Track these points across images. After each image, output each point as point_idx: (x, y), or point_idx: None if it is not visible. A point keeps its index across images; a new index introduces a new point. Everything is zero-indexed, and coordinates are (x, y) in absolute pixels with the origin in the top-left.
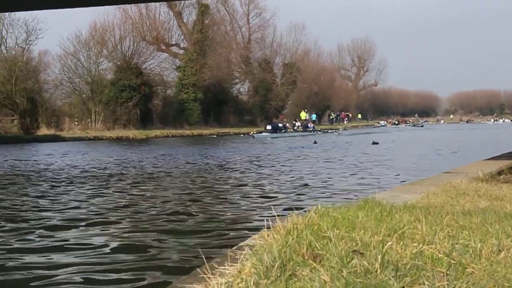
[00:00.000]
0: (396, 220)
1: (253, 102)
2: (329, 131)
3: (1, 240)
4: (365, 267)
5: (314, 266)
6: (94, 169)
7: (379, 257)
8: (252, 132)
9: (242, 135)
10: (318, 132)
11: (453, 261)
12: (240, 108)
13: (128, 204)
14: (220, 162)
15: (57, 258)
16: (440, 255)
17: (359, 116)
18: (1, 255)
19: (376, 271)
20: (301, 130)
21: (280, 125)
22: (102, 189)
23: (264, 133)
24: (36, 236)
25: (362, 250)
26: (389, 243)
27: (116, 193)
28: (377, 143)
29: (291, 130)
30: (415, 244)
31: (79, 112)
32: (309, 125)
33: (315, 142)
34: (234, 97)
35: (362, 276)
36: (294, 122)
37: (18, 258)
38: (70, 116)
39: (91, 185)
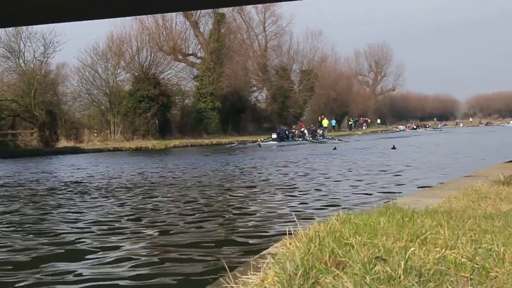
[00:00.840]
0: (418, 226)
1: (271, 109)
2: (338, 139)
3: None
4: (388, 273)
5: (337, 274)
6: (121, 180)
7: (402, 263)
8: (258, 140)
9: (250, 143)
10: (329, 140)
11: (477, 266)
12: (258, 116)
13: (150, 213)
14: (240, 170)
15: (83, 266)
16: (463, 259)
17: (378, 121)
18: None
19: (400, 277)
20: (310, 138)
21: (287, 132)
22: (127, 199)
23: (270, 142)
24: (82, 244)
25: (385, 256)
26: (412, 248)
27: (140, 202)
28: (395, 148)
29: (299, 138)
30: (438, 249)
31: (98, 123)
32: (318, 132)
33: (334, 149)
34: (252, 105)
35: (385, 282)
36: (302, 129)
37: (62, 267)
38: (89, 127)
39: (115, 196)
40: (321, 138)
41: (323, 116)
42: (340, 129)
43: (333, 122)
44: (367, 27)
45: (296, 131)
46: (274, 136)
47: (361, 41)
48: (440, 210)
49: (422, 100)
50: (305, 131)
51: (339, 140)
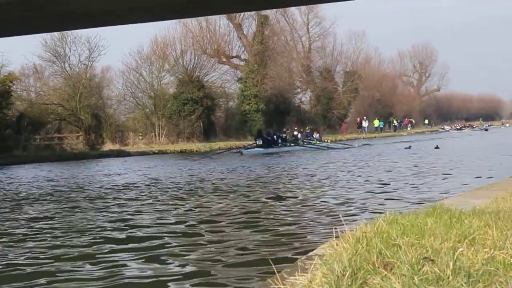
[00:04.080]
0: (465, 226)
1: (315, 111)
2: (346, 144)
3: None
4: (437, 274)
5: (385, 274)
6: (166, 182)
7: (451, 263)
8: (243, 147)
9: (235, 150)
10: (330, 145)
11: None
12: (302, 117)
13: (200, 214)
14: (284, 172)
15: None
16: None
17: (426, 121)
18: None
19: (448, 278)
20: (304, 142)
21: (275, 137)
22: (171, 202)
23: (256, 148)
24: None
25: (433, 257)
26: (460, 249)
27: (188, 205)
28: (438, 148)
29: (291, 143)
30: (486, 250)
31: (142, 126)
32: (314, 135)
33: (409, 147)
34: (296, 106)
35: (434, 283)
36: (295, 133)
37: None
38: (134, 130)
39: (162, 197)
40: (317, 142)
41: (365, 118)
42: (383, 130)
43: (381, 124)
44: (410, 27)
45: (287, 135)
46: (259, 142)
47: (405, 41)
48: (488, 211)
49: (467, 100)
50: (298, 135)
51: (347, 145)
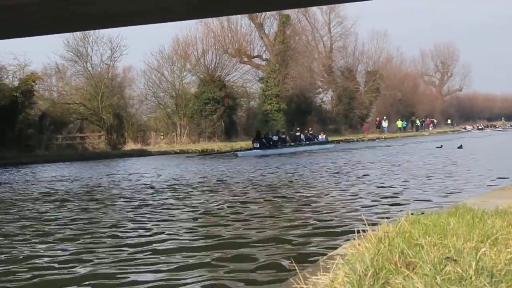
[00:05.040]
0: (488, 226)
1: (337, 110)
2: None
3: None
4: (459, 274)
5: (407, 274)
6: (190, 180)
7: (473, 263)
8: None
9: (230, 152)
10: (332, 146)
11: None
12: (323, 117)
13: (223, 212)
14: (304, 171)
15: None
16: None
17: (449, 121)
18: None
19: (471, 278)
20: (307, 143)
21: (276, 138)
22: (200, 197)
23: (253, 150)
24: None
25: (455, 257)
26: (483, 249)
27: (209, 201)
28: (461, 148)
29: (290, 143)
30: (509, 250)
31: (164, 126)
32: (320, 137)
33: (441, 147)
34: (317, 106)
35: (456, 283)
36: (297, 133)
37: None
38: (155, 130)
39: (186, 194)
40: (321, 143)
41: (385, 118)
42: (406, 130)
43: (404, 123)
44: (431, 26)
45: (287, 136)
46: (256, 144)
47: (426, 40)
48: (510, 211)
49: (490, 100)
50: (301, 136)
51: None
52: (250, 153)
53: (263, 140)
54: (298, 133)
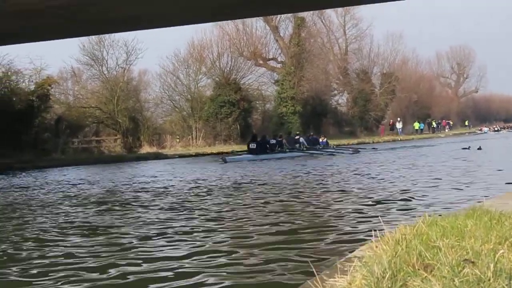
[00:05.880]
0: (506, 228)
1: (352, 113)
2: (352, 149)
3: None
4: (477, 276)
5: (425, 276)
6: (210, 183)
7: (491, 265)
8: (229, 152)
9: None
10: (333, 150)
11: None
12: (339, 119)
13: (238, 213)
14: (321, 174)
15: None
16: None
17: (466, 123)
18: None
19: (489, 280)
20: (305, 148)
21: (273, 141)
22: (217, 199)
23: (245, 154)
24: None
25: (473, 259)
26: (501, 251)
27: (231, 204)
28: (480, 149)
29: (288, 148)
30: None
31: (180, 129)
32: (320, 140)
33: (468, 148)
34: (333, 108)
35: (474, 285)
36: (297, 137)
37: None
38: (171, 133)
39: (199, 198)
40: (321, 147)
41: (399, 119)
42: (423, 131)
43: (421, 125)
44: (448, 27)
45: (284, 140)
46: (252, 146)
47: (442, 42)
48: None
49: (506, 101)
50: (300, 139)
51: (352, 150)
52: (240, 158)
53: (260, 143)
54: (297, 137)
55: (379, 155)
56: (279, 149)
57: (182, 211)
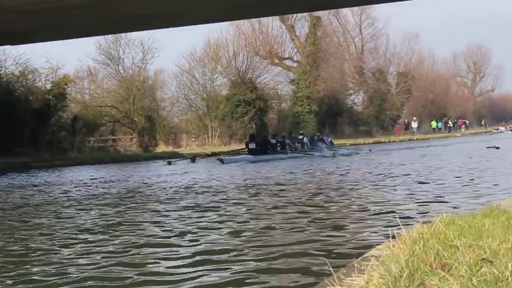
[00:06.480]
0: None
1: (368, 112)
2: (355, 151)
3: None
4: (495, 275)
5: (443, 275)
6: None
7: (509, 265)
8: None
9: (218, 157)
10: (336, 151)
11: None
12: (355, 118)
13: (254, 210)
14: (337, 171)
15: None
16: None
17: (482, 122)
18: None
19: (507, 279)
20: (306, 149)
21: (273, 141)
22: (233, 198)
23: (244, 155)
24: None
25: (491, 258)
26: None
27: (241, 204)
28: (498, 148)
29: (290, 149)
30: None
31: (195, 128)
32: (325, 139)
33: (498, 148)
34: (348, 108)
35: (492, 284)
36: (300, 137)
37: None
38: (187, 132)
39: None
40: (326, 148)
41: (414, 118)
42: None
43: (439, 124)
44: (464, 27)
45: (287, 140)
46: (252, 145)
47: (459, 41)
48: None
49: None
50: (304, 139)
51: (356, 152)
52: (238, 159)
53: (259, 143)
54: (300, 136)
55: (397, 153)
56: (281, 149)
57: (195, 210)
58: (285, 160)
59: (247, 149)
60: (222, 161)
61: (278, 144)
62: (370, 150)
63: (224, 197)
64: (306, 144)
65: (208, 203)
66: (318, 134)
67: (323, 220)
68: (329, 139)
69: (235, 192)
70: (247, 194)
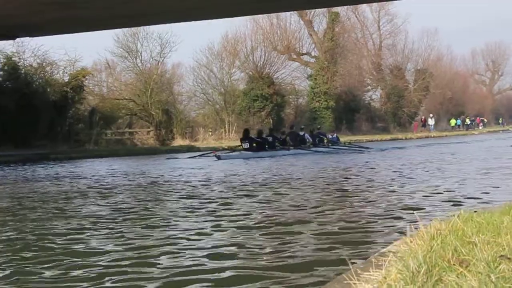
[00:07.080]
0: None
1: (386, 109)
2: (362, 147)
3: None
4: None
5: (461, 272)
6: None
7: None
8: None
9: (210, 154)
10: (340, 148)
11: None
12: (372, 115)
13: (272, 205)
14: (352, 168)
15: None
16: None
17: (500, 120)
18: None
19: None
20: (311, 145)
21: (270, 139)
22: (244, 194)
23: (243, 152)
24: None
25: (510, 255)
26: None
27: (268, 196)
28: None
29: (291, 146)
30: None
31: (212, 122)
32: (330, 135)
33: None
34: (366, 104)
35: (511, 281)
36: (301, 133)
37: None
38: (204, 126)
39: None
40: (330, 144)
41: (431, 116)
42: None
43: (458, 122)
44: (484, 24)
45: (286, 136)
46: (245, 145)
47: (478, 39)
48: None
49: None
50: (305, 135)
51: (364, 148)
52: (236, 155)
53: (255, 139)
54: (301, 133)
55: (418, 150)
56: (280, 146)
57: (211, 207)
58: (287, 156)
59: (242, 146)
60: (219, 158)
61: (277, 141)
62: (381, 149)
63: (241, 193)
64: (308, 140)
65: (235, 197)
66: (319, 127)
67: (339, 215)
68: (335, 135)
69: (245, 189)
70: (247, 192)
